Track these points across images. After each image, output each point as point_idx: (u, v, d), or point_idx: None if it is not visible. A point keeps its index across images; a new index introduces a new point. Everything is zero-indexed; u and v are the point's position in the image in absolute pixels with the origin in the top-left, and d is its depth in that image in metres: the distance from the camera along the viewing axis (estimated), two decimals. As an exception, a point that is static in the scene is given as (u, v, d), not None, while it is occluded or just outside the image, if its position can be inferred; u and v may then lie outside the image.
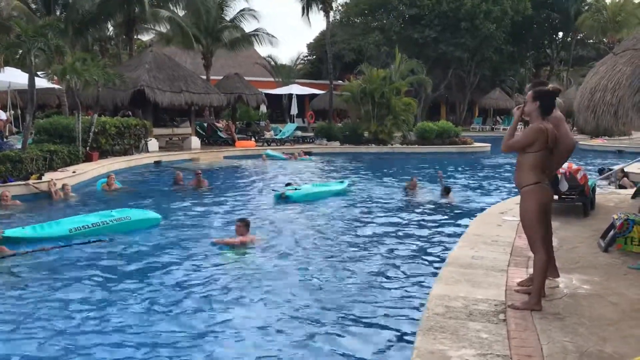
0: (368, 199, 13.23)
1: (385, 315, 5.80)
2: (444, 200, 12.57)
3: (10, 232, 8.36)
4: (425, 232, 9.74)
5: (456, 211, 11.55)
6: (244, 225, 8.49)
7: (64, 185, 13.11)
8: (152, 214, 9.91)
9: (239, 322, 5.61)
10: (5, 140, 15.65)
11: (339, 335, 5.28)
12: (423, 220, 10.75)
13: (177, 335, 5.26)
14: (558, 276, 5.42)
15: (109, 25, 26.79)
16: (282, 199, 12.25)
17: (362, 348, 5.04)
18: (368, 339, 5.25)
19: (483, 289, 5.15)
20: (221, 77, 30.37)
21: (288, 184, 13.83)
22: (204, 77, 27.92)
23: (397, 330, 5.33)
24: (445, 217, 11.04)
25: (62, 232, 8.57)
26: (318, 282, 6.89)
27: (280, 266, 7.53)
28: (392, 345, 5.05)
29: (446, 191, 12.85)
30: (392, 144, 27.51)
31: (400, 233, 9.65)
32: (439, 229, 9.85)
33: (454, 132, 28.15)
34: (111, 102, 21.99)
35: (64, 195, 12.65)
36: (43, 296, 6.27)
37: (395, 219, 10.89)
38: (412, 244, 8.89)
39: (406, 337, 5.07)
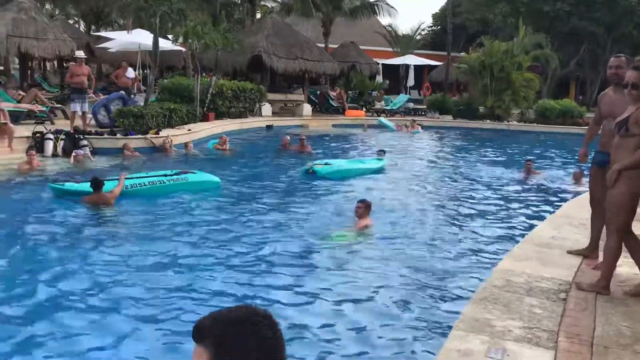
0: (473, 176, 12.96)
1: (458, 286, 5.83)
2: (567, 185, 11.93)
3: (71, 186, 8.76)
4: (524, 212, 9.45)
5: (563, 195, 10.97)
6: (365, 206, 7.66)
7: (186, 144, 14.11)
8: (211, 177, 10.07)
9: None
10: (132, 97, 16.96)
11: (408, 303, 5.39)
12: (525, 201, 10.42)
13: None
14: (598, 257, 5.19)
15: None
16: (310, 174, 11.38)
17: (416, 311, 5.14)
18: (431, 305, 5.32)
19: (552, 268, 5.02)
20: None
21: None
22: (322, 45, 28.29)
23: (458, 300, 5.34)
24: (550, 200, 10.60)
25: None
26: (408, 252, 6.98)
27: (379, 239, 7.49)
28: (446, 313, 5.09)
29: (578, 175, 12.01)
30: (508, 121, 26.45)
31: (495, 211, 9.47)
32: (540, 210, 9.49)
33: (578, 112, 26.49)
34: (230, 66, 23.03)
35: (186, 152, 13.70)
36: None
37: (496, 198, 10.61)
38: (507, 223, 8.69)
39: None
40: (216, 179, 10.10)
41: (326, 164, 11.75)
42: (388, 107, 27.56)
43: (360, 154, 15.48)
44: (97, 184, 8.32)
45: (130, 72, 18.51)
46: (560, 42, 37.89)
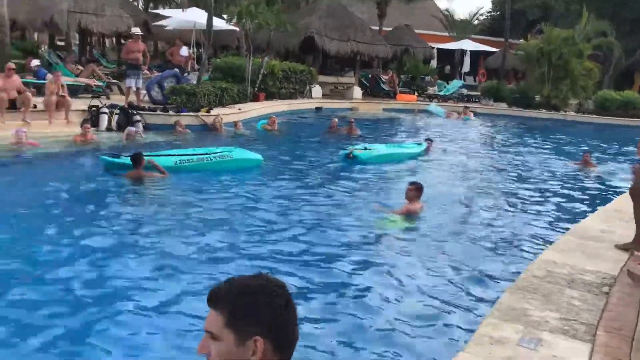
0: (525, 166, 12.68)
1: (499, 274, 5.72)
2: (625, 179, 11.47)
3: (121, 160, 8.88)
4: (577, 204, 9.19)
5: (620, 189, 10.54)
6: (415, 189, 7.40)
7: (236, 123, 14.29)
8: (254, 155, 10.25)
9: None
10: (185, 75, 17.22)
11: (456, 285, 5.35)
12: (580, 193, 10.14)
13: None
14: None
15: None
16: (349, 158, 10.93)
17: (454, 295, 5.08)
18: (471, 291, 5.25)
19: (597, 261, 4.87)
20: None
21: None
22: (377, 27, 27.93)
23: (497, 287, 5.24)
24: (605, 193, 10.23)
25: (169, 163, 9.04)
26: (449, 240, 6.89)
27: (427, 224, 7.39)
28: (485, 299, 5.01)
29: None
30: (565, 111, 25.60)
31: (546, 202, 9.25)
32: (594, 204, 9.18)
33: (640, 104, 25.39)
34: (283, 46, 23.04)
35: (235, 131, 13.87)
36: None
37: (548, 189, 10.31)
38: (557, 215, 8.46)
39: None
40: (258, 156, 10.27)
41: (365, 148, 11.49)
42: (441, 93, 27.11)
43: (408, 139, 15.30)
44: (136, 160, 8.46)
45: (184, 51, 18.79)
46: (627, 30, 36.24)
